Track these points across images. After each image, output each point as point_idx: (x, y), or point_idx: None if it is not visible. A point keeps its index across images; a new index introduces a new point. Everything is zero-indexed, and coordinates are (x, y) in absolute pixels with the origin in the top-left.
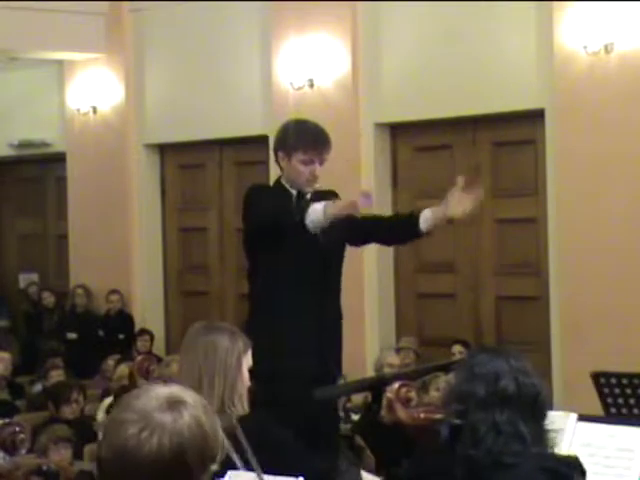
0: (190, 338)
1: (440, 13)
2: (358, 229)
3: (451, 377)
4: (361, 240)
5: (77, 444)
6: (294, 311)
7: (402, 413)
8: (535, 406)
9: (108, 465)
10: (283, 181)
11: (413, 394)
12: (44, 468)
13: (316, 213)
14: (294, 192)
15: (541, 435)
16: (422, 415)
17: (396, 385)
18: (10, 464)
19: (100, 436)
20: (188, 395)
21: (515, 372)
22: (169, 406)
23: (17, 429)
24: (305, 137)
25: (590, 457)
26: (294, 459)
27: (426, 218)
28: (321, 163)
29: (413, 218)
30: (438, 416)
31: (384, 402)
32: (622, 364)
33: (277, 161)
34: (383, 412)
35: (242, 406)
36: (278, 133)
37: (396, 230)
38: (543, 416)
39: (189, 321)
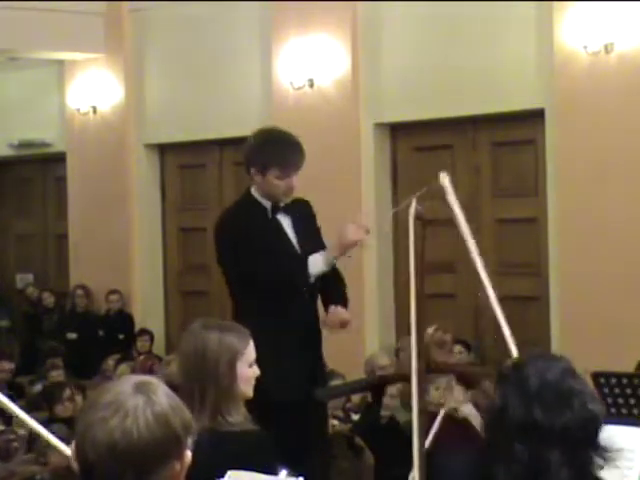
0: (184, 341)
1: (440, 13)
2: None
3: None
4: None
5: None
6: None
7: (438, 356)
8: (591, 431)
9: (101, 464)
10: (254, 193)
11: (448, 337)
12: (37, 478)
13: (317, 265)
14: (268, 205)
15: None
16: (454, 362)
17: (431, 330)
18: (5, 472)
19: (74, 444)
20: (149, 378)
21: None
22: (138, 390)
23: (11, 437)
24: (280, 153)
25: None
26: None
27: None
28: (296, 174)
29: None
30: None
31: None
32: (622, 364)
33: (249, 175)
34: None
35: (238, 413)
36: (249, 149)
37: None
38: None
39: (189, 321)
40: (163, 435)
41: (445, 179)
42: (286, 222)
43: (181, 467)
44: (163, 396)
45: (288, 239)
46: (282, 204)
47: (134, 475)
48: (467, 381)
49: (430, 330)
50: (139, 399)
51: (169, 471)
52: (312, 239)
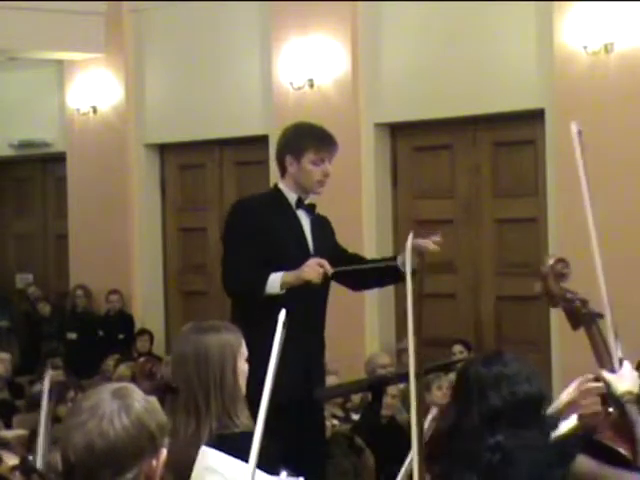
0: (180, 347)
1: (440, 13)
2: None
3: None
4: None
5: None
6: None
7: (555, 286)
8: (531, 410)
9: (82, 466)
10: (282, 187)
11: (568, 271)
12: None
13: (273, 285)
14: (294, 197)
15: (544, 429)
16: (569, 295)
17: (552, 260)
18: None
19: (59, 448)
20: (126, 384)
21: (505, 383)
22: (114, 396)
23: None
24: (315, 137)
25: None
26: None
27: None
28: (330, 162)
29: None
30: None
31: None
32: None
33: (283, 167)
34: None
35: (244, 414)
36: (283, 138)
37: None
38: (541, 413)
39: (189, 321)
40: (139, 434)
41: (574, 128)
42: (305, 220)
43: (157, 463)
44: (138, 400)
45: (304, 234)
46: (307, 201)
47: (112, 472)
48: (575, 321)
49: (551, 261)
50: (115, 403)
51: (145, 467)
52: (328, 245)
